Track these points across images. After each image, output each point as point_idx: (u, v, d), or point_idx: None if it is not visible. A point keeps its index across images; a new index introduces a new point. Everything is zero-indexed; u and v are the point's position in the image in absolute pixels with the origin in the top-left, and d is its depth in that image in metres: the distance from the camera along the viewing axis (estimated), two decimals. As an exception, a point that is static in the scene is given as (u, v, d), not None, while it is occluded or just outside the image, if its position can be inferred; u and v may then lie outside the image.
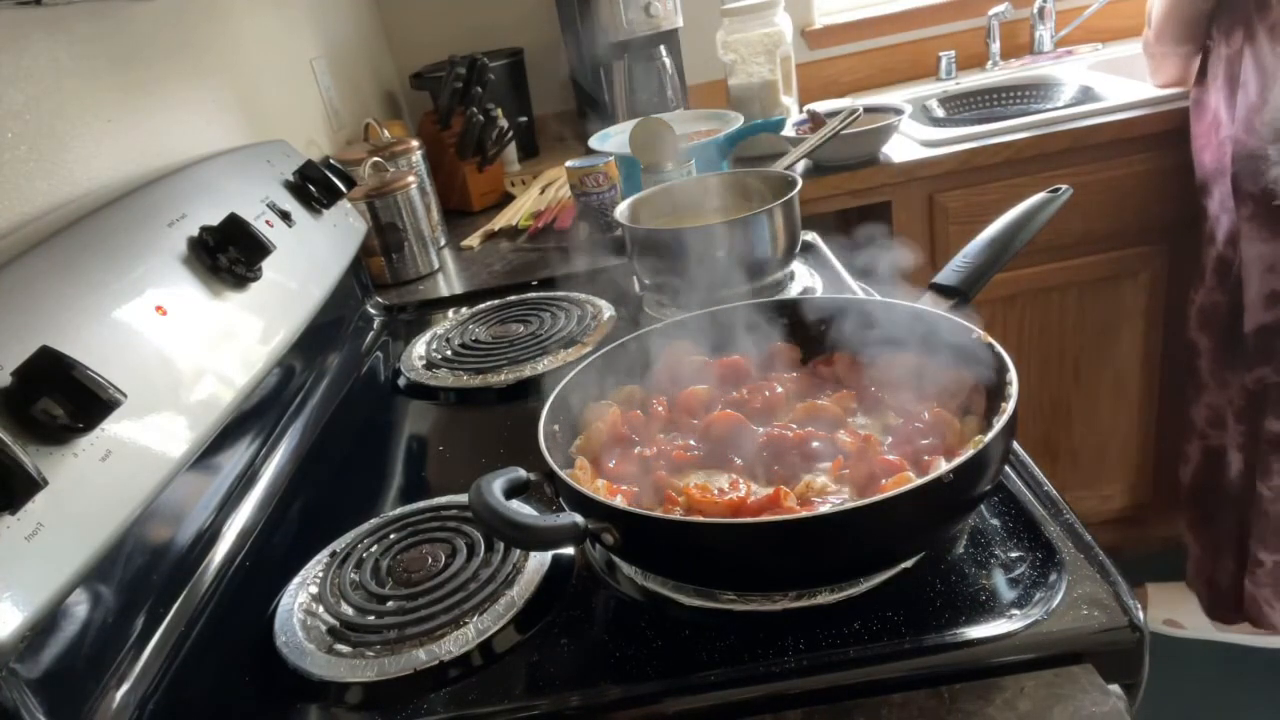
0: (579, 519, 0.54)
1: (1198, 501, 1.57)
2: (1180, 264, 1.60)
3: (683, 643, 0.55)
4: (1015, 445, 0.63)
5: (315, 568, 0.69)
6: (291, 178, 1.08)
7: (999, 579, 0.55)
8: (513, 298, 1.20)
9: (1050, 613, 0.51)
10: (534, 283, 1.25)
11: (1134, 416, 1.75)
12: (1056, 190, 0.77)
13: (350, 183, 1.17)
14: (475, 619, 0.60)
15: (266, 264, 0.88)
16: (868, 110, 1.50)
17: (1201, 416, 1.52)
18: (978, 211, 1.54)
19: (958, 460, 0.52)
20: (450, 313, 1.22)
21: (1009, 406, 0.56)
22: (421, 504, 0.75)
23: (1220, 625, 1.61)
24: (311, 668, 0.59)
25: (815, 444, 0.64)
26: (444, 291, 1.33)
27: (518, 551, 0.65)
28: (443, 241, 1.52)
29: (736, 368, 0.74)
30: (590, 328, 1.05)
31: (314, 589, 0.67)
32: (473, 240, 1.50)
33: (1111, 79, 1.72)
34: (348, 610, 0.63)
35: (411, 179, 1.35)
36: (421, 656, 0.57)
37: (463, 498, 0.69)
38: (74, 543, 0.55)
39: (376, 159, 1.39)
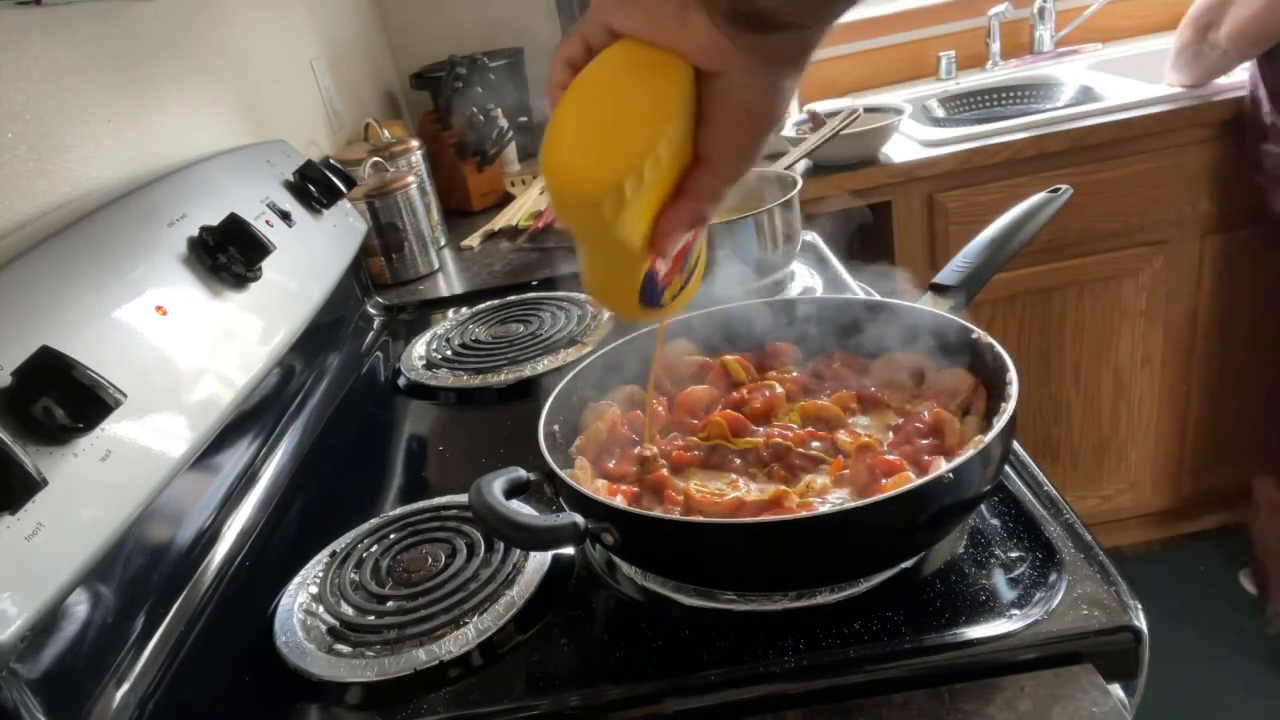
0: (579, 519, 0.54)
1: None
2: (1180, 264, 1.60)
3: (683, 643, 0.55)
4: (1015, 445, 0.63)
5: (315, 568, 0.69)
6: (291, 178, 1.08)
7: (999, 579, 0.55)
8: (513, 298, 1.20)
9: (1050, 613, 0.51)
10: (534, 283, 1.25)
11: (1134, 416, 1.75)
12: (1056, 190, 0.77)
13: (350, 183, 1.17)
14: (475, 619, 0.60)
15: (266, 264, 0.88)
16: (868, 110, 1.51)
17: None
18: (978, 211, 1.54)
19: (958, 460, 0.52)
20: (450, 313, 1.22)
21: (1009, 406, 0.56)
22: (421, 504, 0.75)
23: None
24: (311, 668, 0.59)
25: (815, 444, 0.64)
26: (444, 291, 1.33)
27: (518, 551, 0.65)
28: (443, 241, 1.52)
29: (736, 368, 0.74)
30: (590, 328, 1.05)
31: (314, 589, 0.67)
32: (473, 240, 1.50)
33: (1111, 79, 1.73)
34: (348, 610, 0.63)
35: (411, 179, 1.35)
36: (421, 656, 0.57)
37: (463, 498, 0.69)
38: (74, 543, 0.55)
39: (376, 159, 1.39)
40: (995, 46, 1.99)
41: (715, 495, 0.59)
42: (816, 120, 1.63)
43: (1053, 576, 0.54)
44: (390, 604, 0.63)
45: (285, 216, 1.00)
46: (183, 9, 1.11)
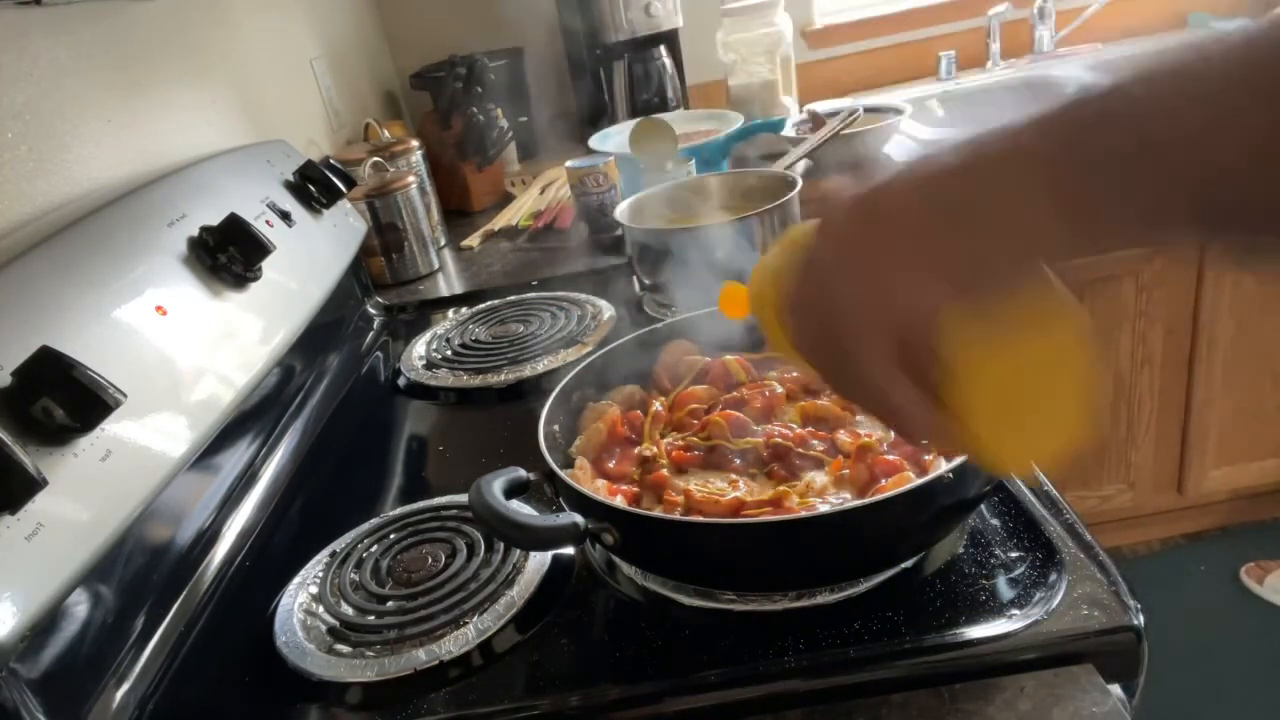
0: (579, 519, 0.54)
1: None
2: (1180, 264, 1.60)
3: (683, 643, 0.55)
4: (1015, 445, 0.63)
5: (315, 568, 0.69)
6: (291, 178, 1.08)
7: (999, 579, 0.55)
8: (513, 298, 1.20)
9: (1050, 613, 0.51)
10: (534, 283, 1.25)
11: (1134, 416, 1.75)
12: (1056, 190, 0.77)
13: (350, 183, 1.17)
14: (475, 619, 0.60)
15: (266, 264, 0.88)
16: (868, 110, 1.50)
17: None
18: (978, 211, 1.54)
19: (958, 460, 0.52)
20: (450, 313, 1.22)
21: (1009, 406, 0.56)
22: (421, 504, 0.75)
23: None
24: (311, 668, 0.59)
25: (815, 444, 0.64)
26: (444, 291, 1.33)
27: (518, 551, 0.65)
28: (443, 241, 1.52)
29: (736, 368, 0.74)
30: (590, 328, 1.05)
31: (314, 589, 0.67)
32: (473, 240, 1.50)
33: (1111, 79, 1.72)
34: (348, 610, 0.63)
35: (411, 179, 1.35)
36: (421, 656, 0.57)
37: (463, 498, 0.69)
38: (74, 543, 0.55)
39: (376, 159, 1.39)
40: (995, 46, 1.99)
41: (715, 495, 0.59)
42: (817, 120, 1.62)
43: (1053, 576, 0.54)
44: (390, 604, 0.63)
45: (285, 216, 1.00)
46: (183, 9, 1.11)
